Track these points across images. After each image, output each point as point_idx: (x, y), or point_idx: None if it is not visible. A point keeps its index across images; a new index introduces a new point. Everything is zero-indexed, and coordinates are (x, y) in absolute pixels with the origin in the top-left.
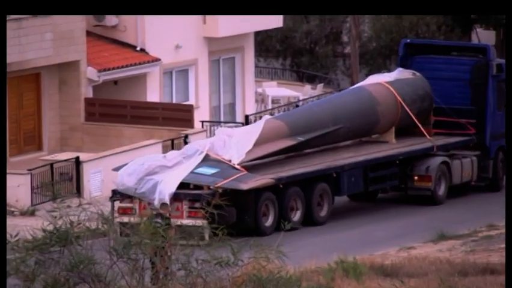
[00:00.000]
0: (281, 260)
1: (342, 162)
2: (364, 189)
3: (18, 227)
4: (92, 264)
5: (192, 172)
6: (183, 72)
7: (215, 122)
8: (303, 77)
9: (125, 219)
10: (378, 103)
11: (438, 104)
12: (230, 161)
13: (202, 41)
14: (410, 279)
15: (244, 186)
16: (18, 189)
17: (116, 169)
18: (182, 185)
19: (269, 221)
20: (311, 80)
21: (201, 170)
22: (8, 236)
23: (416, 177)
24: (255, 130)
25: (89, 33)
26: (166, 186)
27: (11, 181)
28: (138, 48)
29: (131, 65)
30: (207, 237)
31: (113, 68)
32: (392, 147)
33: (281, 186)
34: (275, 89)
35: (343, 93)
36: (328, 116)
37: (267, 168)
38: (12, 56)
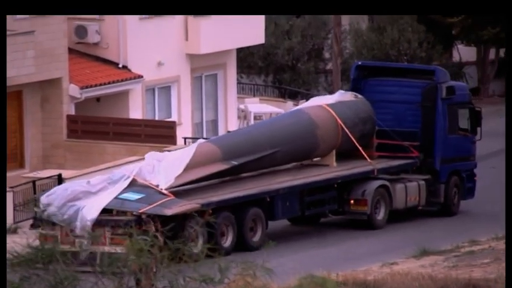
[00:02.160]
0: (267, 277)
1: (277, 186)
2: (300, 213)
3: None
4: (76, 281)
5: (116, 198)
6: (165, 89)
7: (197, 139)
8: (285, 93)
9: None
10: (318, 126)
11: (381, 127)
12: (158, 186)
13: (185, 58)
14: None
15: (169, 212)
16: None
17: (39, 195)
18: (106, 211)
19: (198, 247)
20: (293, 96)
21: (126, 195)
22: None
23: (352, 201)
24: (186, 154)
25: (71, 51)
26: (88, 212)
27: None
28: (120, 65)
29: (113, 82)
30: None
31: (96, 85)
32: (332, 170)
33: (210, 211)
34: (257, 106)
35: (281, 116)
36: (265, 139)
37: (198, 193)
38: None
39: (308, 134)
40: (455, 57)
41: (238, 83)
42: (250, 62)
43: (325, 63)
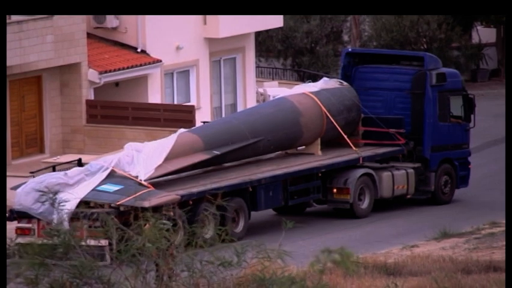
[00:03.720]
0: (284, 259)
1: (259, 176)
2: (284, 203)
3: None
4: (95, 269)
5: (93, 190)
6: (184, 73)
7: None
8: (304, 76)
9: (23, 240)
10: (301, 114)
11: (367, 114)
12: (137, 177)
13: (203, 42)
14: (413, 278)
15: (147, 204)
16: None
17: (14, 188)
18: (84, 204)
19: (178, 238)
20: (312, 79)
21: (104, 187)
22: (8, 240)
23: (334, 190)
24: (166, 144)
25: (90, 35)
26: (66, 204)
27: (13, 184)
28: (139, 50)
29: (132, 67)
30: (108, 258)
31: (114, 70)
32: (316, 159)
33: (191, 202)
34: (276, 89)
35: (264, 104)
36: (247, 128)
37: (179, 184)
38: (14, 59)
39: (292, 122)
40: (475, 38)
41: (257, 66)
42: (269, 46)
43: (344, 45)
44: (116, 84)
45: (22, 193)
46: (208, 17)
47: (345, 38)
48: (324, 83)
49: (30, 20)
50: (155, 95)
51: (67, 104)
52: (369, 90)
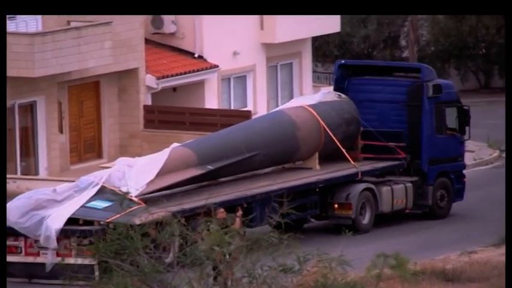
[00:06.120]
0: (344, 267)
1: (255, 192)
2: (280, 219)
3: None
4: (159, 272)
5: (82, 206)
6: (241, 79)
7: None
8: None
9: (10, 258)
10: (298, 128)
11: (366, 128)
12: (128, 193)
13: (260, 47)
14: (472, 284)
15: (137, 221)
16: None
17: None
18: (72, 221)
19: (171, 255)
20: None
21: (93, 204)
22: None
23: (336, 205)
24: (159, 159)
25: (147, 41)
26: (53, 222)
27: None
28: (196, 55)
29: (189, 72)
30: (96, 277)
31: (172, 75)
32: (314, 174)
33: (183, 219)
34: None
35: (260, 117)
36: (242, 142)
37: (172, 200)
38: (73, 65)
39: (288, 136)
40: None
41: (314, 71)
42: (325, 51)
43: (401, 51)
44: (174, 89)
45: (11, 208)
46: (265, 22)
47: (403, 43)
48: (323, 96)
49: (89, 26)
50: (212, 100)
51: (124, 109)
52: (362, 102)
